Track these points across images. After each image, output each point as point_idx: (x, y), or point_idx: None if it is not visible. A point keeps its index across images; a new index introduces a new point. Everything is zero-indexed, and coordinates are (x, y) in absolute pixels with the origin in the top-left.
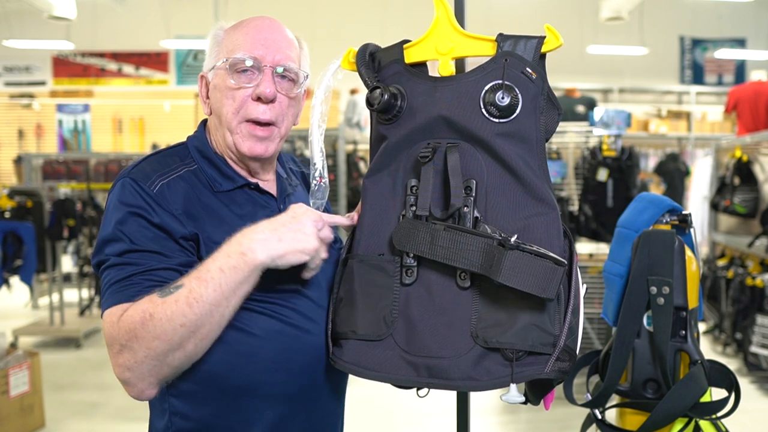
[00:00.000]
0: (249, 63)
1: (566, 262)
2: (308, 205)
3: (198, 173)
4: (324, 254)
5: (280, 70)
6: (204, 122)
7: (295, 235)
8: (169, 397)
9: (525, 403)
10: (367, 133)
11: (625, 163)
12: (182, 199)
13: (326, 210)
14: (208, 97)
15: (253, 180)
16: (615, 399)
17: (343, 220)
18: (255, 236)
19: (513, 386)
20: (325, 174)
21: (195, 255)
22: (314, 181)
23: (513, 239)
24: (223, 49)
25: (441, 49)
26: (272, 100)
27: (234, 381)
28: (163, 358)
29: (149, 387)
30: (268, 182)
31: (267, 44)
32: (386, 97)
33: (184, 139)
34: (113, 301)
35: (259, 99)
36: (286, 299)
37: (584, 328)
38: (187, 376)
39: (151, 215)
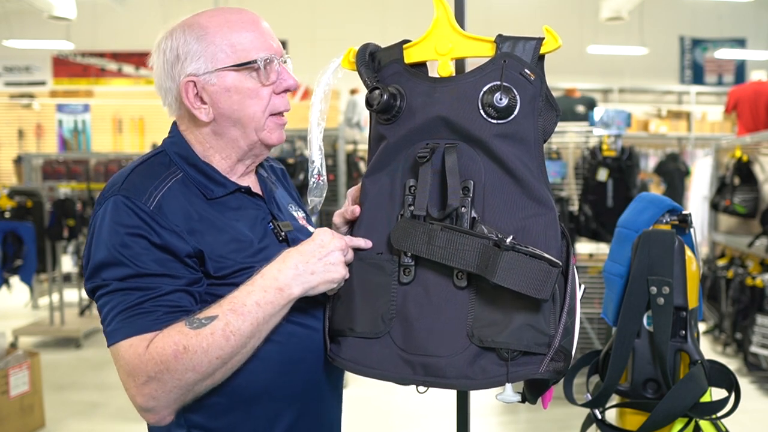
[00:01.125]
0: (270, 60)
1: (561, 264)
2: (306, 201)
3: (186, 181)
4: (347, 275)
5: (285, 59)
6: (176, 124)
7: (326, 266)
8: (185, 410)
9: (523, 401)
10: (367, 133)
11: (625, 163)
12: (181, 213)
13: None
14: (204, 103)
15: (244, 184)
16: (615, 399)
17: (361, 242)
18: (289, 271)
19: (508, 386)
20: (324, 172)
21: (199, 271)
22: (312, 179)
23: (509, 240)
24: (222, 49)
25: (440, 49)
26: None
27: (253, 388)
28: (192, 387)
29: (171, 413)
30: (252, 182)
31: (270, 36)
32: (385, 97)
33: None
34: (131, 330)
35: (285, 91)
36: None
37: (584, 328)
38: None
39: (152, 236)
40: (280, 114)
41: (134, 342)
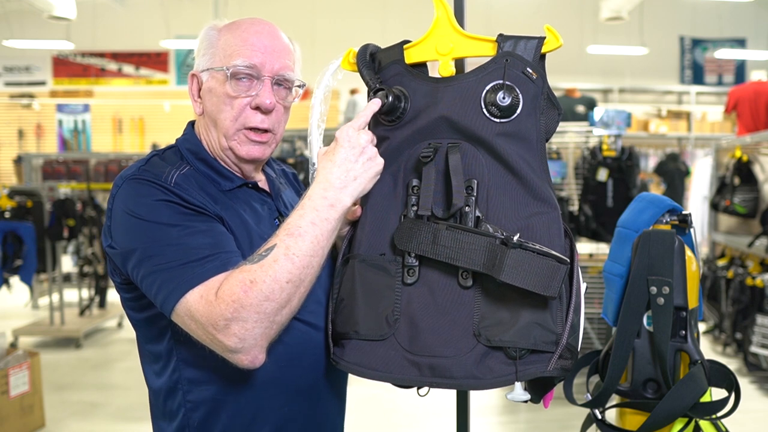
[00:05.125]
0: (248, 72)
1: (568, 260)
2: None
3: (196, 173)
4: (382, 161)
5: (278, 79)
6: (192, 123)
7: (365, 165)
8: (184, 394)
9: (528, 401)
10: None
11: (625, 163)
12: (200, 191)
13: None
14: (199, 97)
15: (250, 179)
16: (615, 399)
17: (373, 106)
18: (334, 188)
19: (518, 385)
20: None
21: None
22: (312, 180)
23: (516, 238)
24: (219, 51)
25: (441, 49)
26: (271, 110)
27: (251, 383)
28: (273, 318)
29: (261, 351)
30: (260, 182)
31: (266, 52)
32: (390, 99)
33: None
34: (193, 281)
35: (257, 108)
36: None
37: (584, 328)
38: (205, 375)
39: (180, 202)
40: (255, 130)
41: (201, 292)
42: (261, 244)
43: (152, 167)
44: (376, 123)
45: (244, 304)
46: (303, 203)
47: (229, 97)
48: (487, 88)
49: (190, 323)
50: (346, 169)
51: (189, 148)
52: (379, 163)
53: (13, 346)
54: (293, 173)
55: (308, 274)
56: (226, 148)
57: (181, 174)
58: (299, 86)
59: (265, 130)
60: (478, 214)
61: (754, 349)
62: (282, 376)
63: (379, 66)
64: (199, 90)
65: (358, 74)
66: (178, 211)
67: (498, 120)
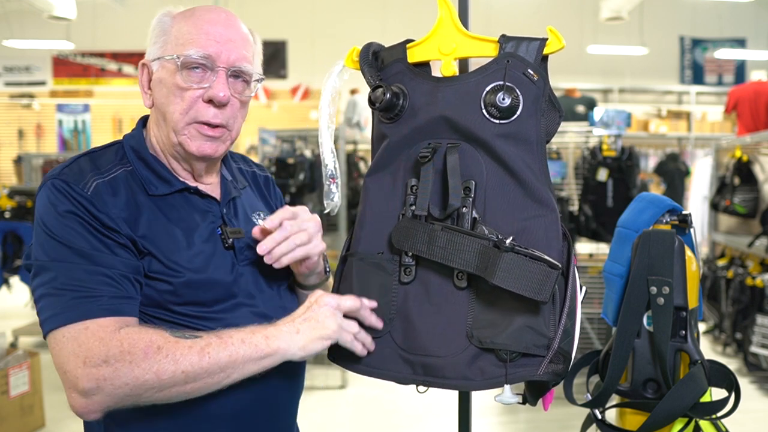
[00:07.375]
0: (202, 62)
1: (560, 265)
2: (314, 203)
3: (134, 174)
4: (354, 328)
5: (234, 71)
6: (143, 120)
7: (309, 324)
8: (114, 426)
9: (523, 403)
10: (367, 133)
11: (625, 163)
12: (121, 202)
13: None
14: (149, 88)
15: (192, 184)
16: (615, 399)
17: (356, 303)
18: (280, 327)
19: (507, 387)
20: (338, 174)
21: (137, 259)
22: (327, 182)
23: (508, 241)
24: (171, 40)
25: (444, 49)
26: (225, 104)
27: (182, 405)
28: (143, 392)
29: (101, 409)
30: (210, 185)
31: (222, 41)
32: (388, 96)
33: None
34: (78, 315)
35: (210, 101)
36: (225, 314)
37: (584, 328)
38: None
39: (86, 218)
40: (208, 125)
41: (89, 326)
42: (188, 255)
43: (73, 171)
44: (378, 121)
45: (134, 360)
46: (253, 325)
47: (180, 88)
48: (488, 88)
49: (58, 349)
50: (292, 319)
51: (132, 145)
52: (327, 326)
53: (13, 346)
54: (266, 177)
55: (205, 381)
56: (175, 144)
57: (104, 182)
58: (258, 80)
59: (218, 126)
60: (475, 215)
61: (754, 349)
62: (215, 402)
63: (382, 64)
64: (150, 81)
65: (360, 73)
66: (85, 230)
67: (498, 121)
